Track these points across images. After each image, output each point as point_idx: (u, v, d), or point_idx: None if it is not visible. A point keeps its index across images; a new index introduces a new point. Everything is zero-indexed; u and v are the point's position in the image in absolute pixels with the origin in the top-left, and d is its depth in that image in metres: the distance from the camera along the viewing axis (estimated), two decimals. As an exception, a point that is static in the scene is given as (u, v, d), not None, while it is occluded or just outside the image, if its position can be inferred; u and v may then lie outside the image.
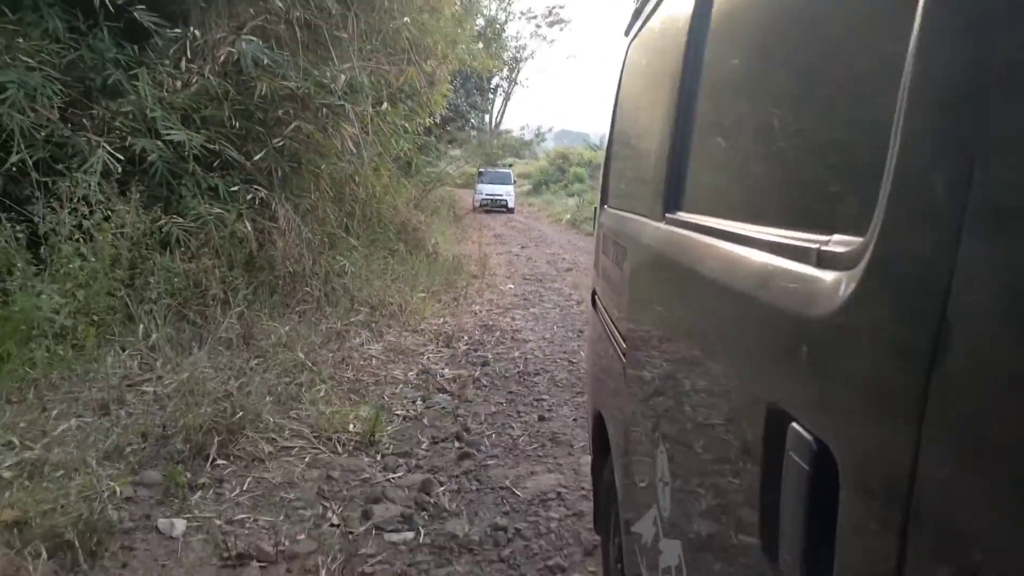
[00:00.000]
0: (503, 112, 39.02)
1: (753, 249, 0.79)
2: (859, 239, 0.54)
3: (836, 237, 0.60)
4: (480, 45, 23.18)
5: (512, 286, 8.60)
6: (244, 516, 2.66)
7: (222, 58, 5.46)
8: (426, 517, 2.80)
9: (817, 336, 0.59)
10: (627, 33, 2.26)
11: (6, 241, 4.04)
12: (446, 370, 4.89)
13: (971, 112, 0.42)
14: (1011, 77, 0.40)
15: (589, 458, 3.40)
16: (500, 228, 16.79)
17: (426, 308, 6.49)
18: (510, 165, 30.76)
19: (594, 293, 2.35)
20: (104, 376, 3.62)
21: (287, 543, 2.53)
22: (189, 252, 4.93)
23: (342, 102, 5.83)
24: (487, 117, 35.39)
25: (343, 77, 5.98)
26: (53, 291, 3.84)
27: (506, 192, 22.44)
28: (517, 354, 5.39)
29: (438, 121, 11.45)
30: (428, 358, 5.17)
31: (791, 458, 0.59)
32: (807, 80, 0.76)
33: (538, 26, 37.64)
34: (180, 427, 3.05)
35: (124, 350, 3.90)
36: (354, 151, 6.38)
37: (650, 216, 1.45)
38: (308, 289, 5.72)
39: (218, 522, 2.59)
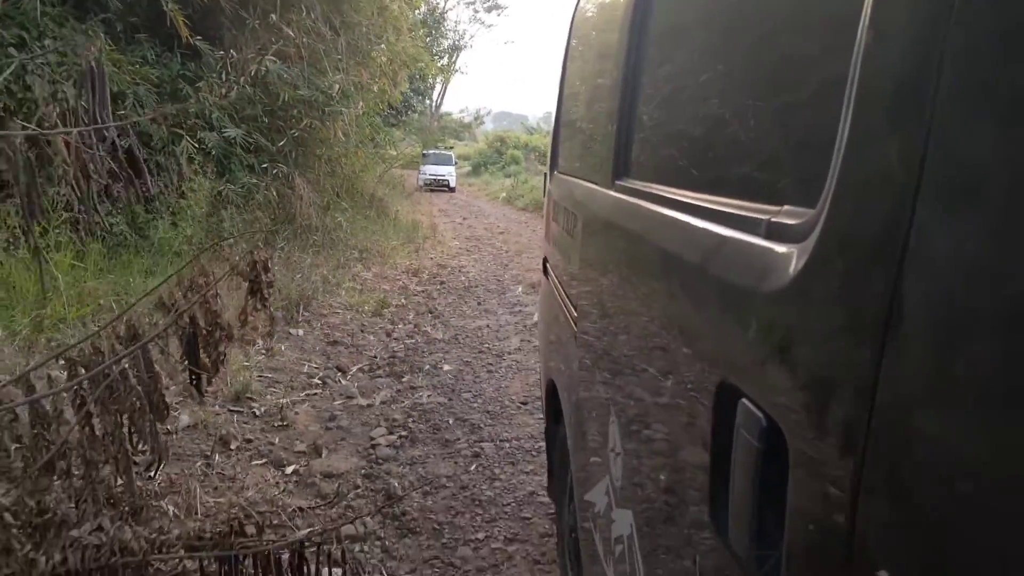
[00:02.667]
0: (443, 95, 40.78)
1: (703, 219, 0.78)
2: (810, 211, 0.53)
3: (786, 208, 0.59)
4: (422, 31, 25.18)
5: (457, 243, 11.22)
6: (328, 331, 5.23)
7: (252, 72, 7.81)
8: (420, 334, 5.43)
9: (768, 310, 0.57)
10: None
11: (130, 198, 6.38)
12: (417, 287, 7.49)
13: (925, 82, 0.41)
14: (966, 45, 0.39)
15: (508, 316, 6.12)
16: (444, 205, 18.97)
17: (396, 254, 9.03)
18: (451, 147, 32.71)
19: (545, 260, 2.32)
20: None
21: (353, 341, 5.11)
22: (242, 209, 7.33)
23: (339, 107, 8.26)
24: (428, 101, 37.09)
25: (337, 87, 8.41)
26: (180, 227, 6.23)
27: (448, 173, 23.68)
28: (463, 278, 8.05)
29: (389, 111, 13.85)
30: (403, 281, 7.75)
31: (741, 434, 0.58)
32: (758, 47, 0.75)
33: (476, 11, 39.70)
34: (283, 295, 5.56)
35: (226, 263, 6.35)
36: (343, 139, 8.85)
37: (600, 183, 1.44)
38: (315, 238, 8.19)
39: (317, 332, 5.15)
